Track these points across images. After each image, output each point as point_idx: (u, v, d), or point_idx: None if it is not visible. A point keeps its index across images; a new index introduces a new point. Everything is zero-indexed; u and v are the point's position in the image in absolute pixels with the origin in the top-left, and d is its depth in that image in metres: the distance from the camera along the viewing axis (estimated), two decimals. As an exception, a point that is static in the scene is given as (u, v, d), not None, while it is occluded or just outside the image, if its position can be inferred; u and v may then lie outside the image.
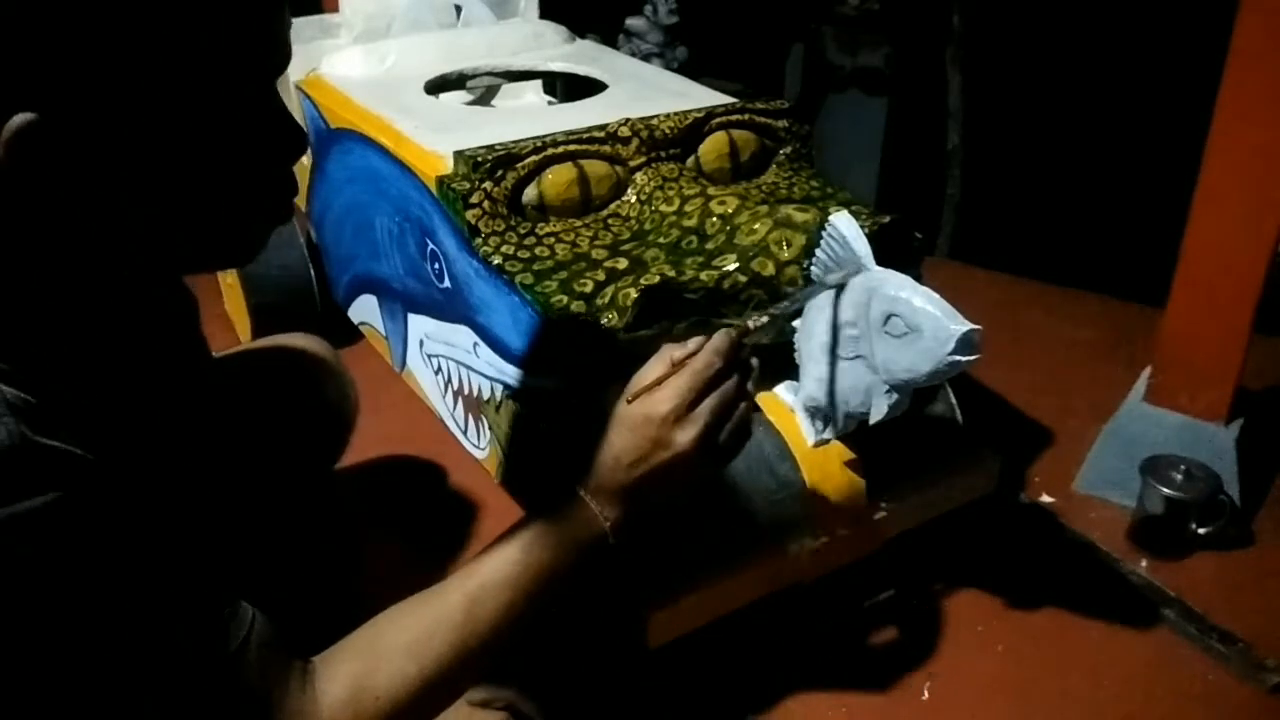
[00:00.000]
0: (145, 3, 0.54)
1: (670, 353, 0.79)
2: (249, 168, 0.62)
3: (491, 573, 0.73)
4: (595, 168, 1.21)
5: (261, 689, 0.63)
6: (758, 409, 1.05)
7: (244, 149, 0.61)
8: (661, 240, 1.16)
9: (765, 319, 0.84)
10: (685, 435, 0.76)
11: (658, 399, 0.76)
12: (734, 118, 1.30)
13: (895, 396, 0.95)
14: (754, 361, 0.82)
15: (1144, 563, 1.26)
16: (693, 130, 1.27)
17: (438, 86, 1.62)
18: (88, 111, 0.55)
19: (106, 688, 0.58)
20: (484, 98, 1.82)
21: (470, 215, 1.16)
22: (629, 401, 0.78)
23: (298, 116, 1.67)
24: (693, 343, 0.79)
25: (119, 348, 0.68)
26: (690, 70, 2.56)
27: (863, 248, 0.93)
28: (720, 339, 0.79)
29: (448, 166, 1.22)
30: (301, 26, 1.80)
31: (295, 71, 1.67)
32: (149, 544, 0.59)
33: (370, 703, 0.67)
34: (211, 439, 0.83)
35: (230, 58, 0.58)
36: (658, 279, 1.05)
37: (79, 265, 0.62)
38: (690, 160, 1.27)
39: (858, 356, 0.96)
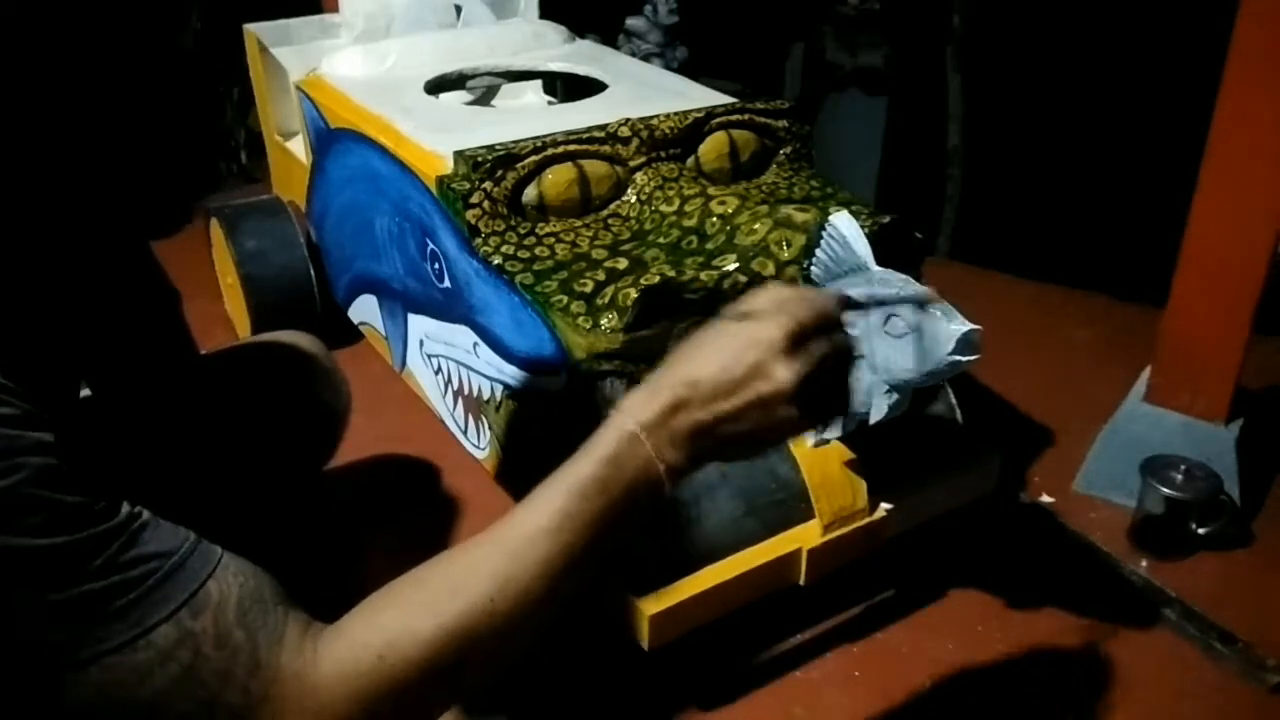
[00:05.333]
0: None
1: (776, 289, 0.69)
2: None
3: (529, 525, 0.63)
4: (595, 168, 1.21)
5: (243, 643, 0.58)
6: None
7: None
8: (661, 240, 1.16)
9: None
10: (790, 370, 0.65)
11: (769, 322, 0.66)
12: (734, 118, 1.30)
13: (895, 396, 0.95)
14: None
15: (1144, 563, 1.26)
16: (693, 130, 1.27)
17: (438, 86, 1.62)
18: None
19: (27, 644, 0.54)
20: (484, 98, 1.82)
21: (470, 215, 1.16)
22: (738, 319, 0.67)
23: (297, 117, 1.67)
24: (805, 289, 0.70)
25: (84, 323, 0.68)
26: (690, 70, 2.56)
27: (863, 248, 0.93)
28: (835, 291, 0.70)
29: (448, 166, 1.22)
30: (301, 26, 1.80)
31: (295, 71, 1.67)
32: (90, 486, 0.56)
33: (371, 661, 0.59)
34: (198, 431, 0.83)
35: None
36: (658, 279, 1.05)
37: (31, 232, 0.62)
38: (690, 160, 1.27)
39: (858, 356, 0.96)
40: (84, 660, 0.54)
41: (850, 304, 0.75)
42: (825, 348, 0.67)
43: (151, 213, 0.69)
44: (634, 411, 0.65)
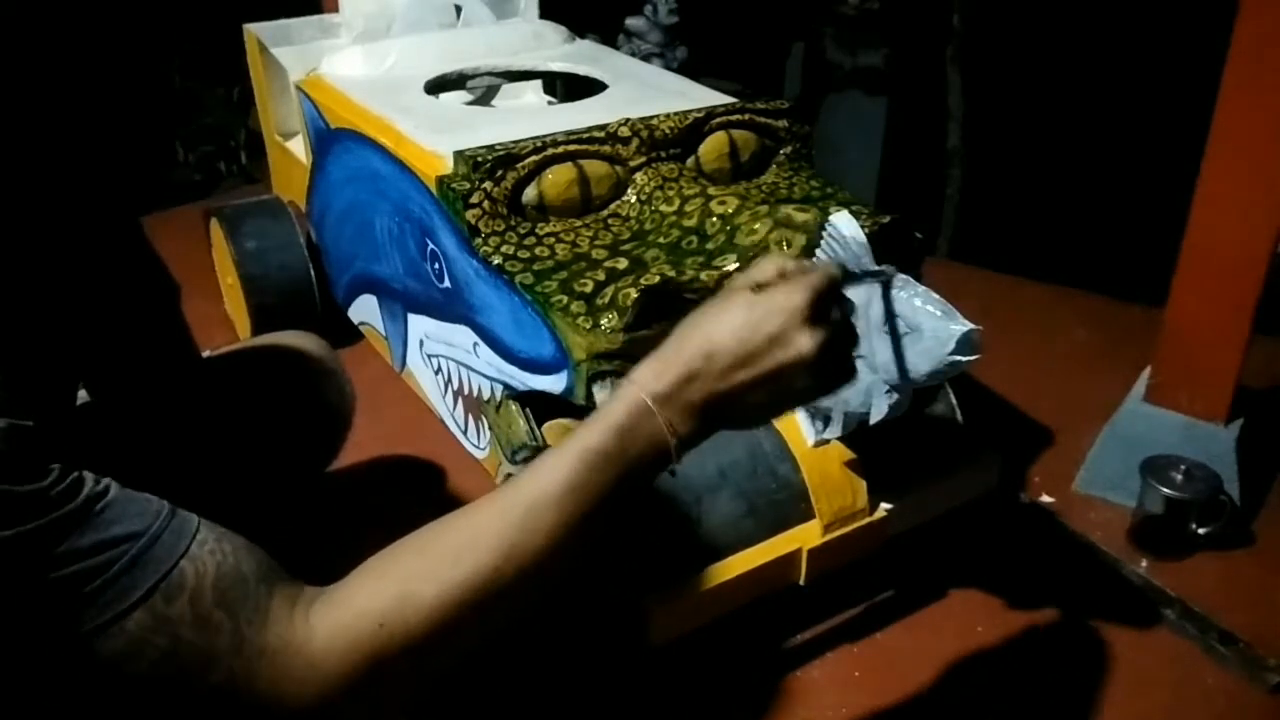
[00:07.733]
0: None
1: (779, 260, 0.69)
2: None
3: (536, 492, 0.62)
4: (595, 168, 1.21)
5: (224, 623, 0.56)
6: None
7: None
8: (661, 240, 1.16)
9: None
10: (812, 339, 0.65)
11: (790, 291, 0.65)
12: (734, 118, 1.30)
13: (895, 396, 0.95)
14: None
15: (1144, 563, 1.26)
16: (693, 130, 1.27)
17: (438, 86, 1.62)
18: None
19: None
20: (484, 98, 1.82)
21: (470, 215, 1.16)
22: (753, 290, 0.66)
23: (297, 117, 1.67)
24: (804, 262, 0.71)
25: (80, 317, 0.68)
26: (690, 70, 2.56)
27: (862, 248, 0.93)
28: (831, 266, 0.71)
29: (448, 166, 1.22)
30: (301, 26, 1.80)
31: (295, 71, 1.67)
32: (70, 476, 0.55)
33: (371, 630, 0.58)
34: (200, 433, 0.83)
35: None
36: (658, 279, 1.05)
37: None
38: (690, 160, 1.27)
39: (858, 356, 0.96)
40: (62, 647, 0.54)
41: (849, 276, 0.75)
42: (838, 316, 0.68)
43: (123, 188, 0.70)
44: (646, 383, 0.64)
